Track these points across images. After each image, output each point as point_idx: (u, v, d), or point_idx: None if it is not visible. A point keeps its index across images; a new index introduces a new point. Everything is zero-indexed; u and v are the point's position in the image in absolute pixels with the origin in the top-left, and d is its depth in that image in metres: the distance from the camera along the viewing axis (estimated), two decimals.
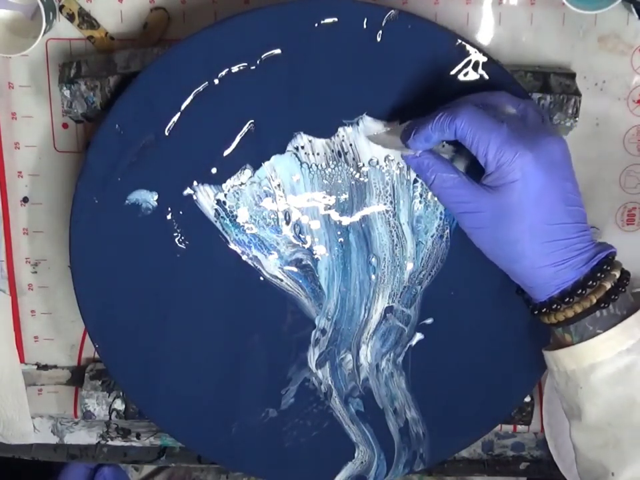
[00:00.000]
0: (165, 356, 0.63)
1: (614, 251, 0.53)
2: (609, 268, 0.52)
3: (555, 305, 0.52)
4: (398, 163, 0.60)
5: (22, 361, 0.74)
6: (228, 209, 0.61)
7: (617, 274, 0.52)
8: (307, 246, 0.62)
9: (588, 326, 0.52)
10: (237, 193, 0.61)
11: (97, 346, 0.63)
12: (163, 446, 0.76)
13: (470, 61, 0.58)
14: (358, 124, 0.59)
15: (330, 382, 0.64)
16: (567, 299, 0.52)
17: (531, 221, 0.50)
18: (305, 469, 0.66)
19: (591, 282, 0.51)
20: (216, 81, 0.58)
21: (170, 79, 0.58)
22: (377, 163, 0.60)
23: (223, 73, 0.58)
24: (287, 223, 0.61)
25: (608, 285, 0.51)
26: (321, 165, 0.60)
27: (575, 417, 0.54)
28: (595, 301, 0.51)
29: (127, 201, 0.60)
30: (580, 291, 0.51)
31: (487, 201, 0.51)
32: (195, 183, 0.60)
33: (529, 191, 0.50)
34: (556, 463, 0.72)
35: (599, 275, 0.51)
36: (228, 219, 0.61)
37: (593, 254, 0.52)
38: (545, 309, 0.53)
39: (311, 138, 0.60)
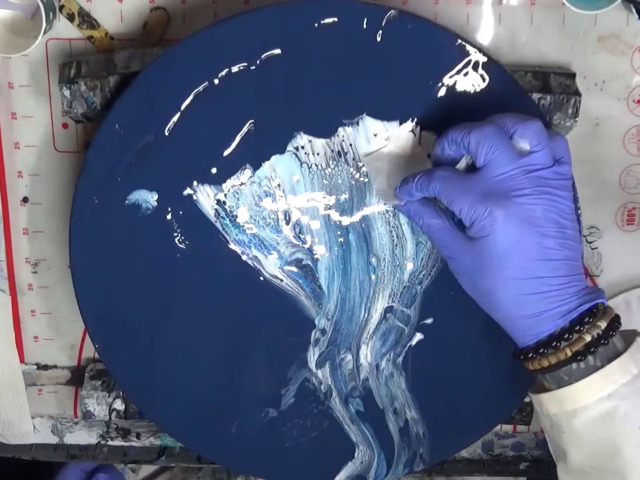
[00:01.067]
0: (165, 356, 0.63)
1: (602, 302, 0.53)
2: (591, 320, 0.51)
3: (531, 354, 0.53)
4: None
5: (22, 361, 0.74)
6: (228, 209, 0.61)
7: (603, 324, 0.51)
8: (307, 246, 0.62)
9: (563, 376, 0.52)
10: (237, 193, 0.61)
11: (96, 346, 0.63)
12: (162, 446, 0.76)
13: (470, 60, 0.58)
14: (358, 124, 0.59)
15: (330, 382, 0.64)
16: (542, 350, 0.52)
17: (504, 275, 0.51)
18: (304, 469, 0.66)
19: (567, 335, 0.51)
20: (216, 81, 0.58)
21: (170, 79, 0.58)
22: None
23: (223, 72, 0.58)
24: (287, 223, 0.61)
25: (588, 338, 0.51)
26: (321, 165, 0.60)
27: (560, 458, 0.55)
28: (570, 353, 0.51)
29: (127, 201, 0.60)
30: (554, 343, 0.52)
31: (466, 251, 0.53)
32: (195, 182, 0.60)
33: (499, 246, 0.51)
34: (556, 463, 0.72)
35: (577, 327, 0.51)
36: (228, 219, 0.61)
37: (575, 305, 0.51)
38: (522, 356, 0.54)
39: (310, 138, 0.60)
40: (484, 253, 0.51)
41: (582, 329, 0.51)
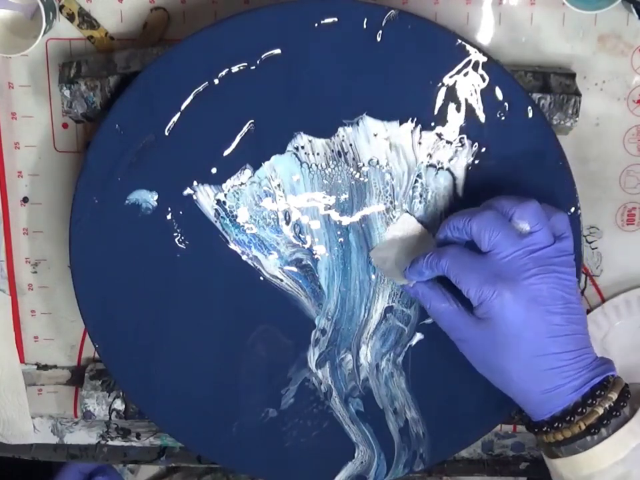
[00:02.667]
0: (165, 356, 0.63)
1: (613, 374, 0.54)
2: (603, 393, 0.52)
3: (545, 428, 0.54)
4: (399, 163, 0.60)
5: (22, 361, 0.74)
6: (228, 209, 0.61)
7: (614, 396, 0.53)
8: (306, 246, 0.62)
9: (578, 448, 0.53)
10: (237, 193, 0.61)
11: (96, 346, 0.63)
12: (163, 446, 0.76)
13: (470, 60, 0.58)
14: (358, 124, 0.59)
15: (330, 382, 0.64)
16: (556, 424, 0.54)
17: (516, 353, 0.53)
18: (305, 468, 0.66)
19: (580, 409, 0.53)
20: (216, 81, 0.58)
21: (170, 79, 0.58)
22: (377, 162, 0.60)
23: (223, 72, 0.58)
24: (287, 223, 0.61)
25: (600, 411, 0.52)
26: (321, 165, 0.60)
27: None
28: (583, 427, 0.52)
29: (127, 201, 0.61)
30: (569, 417, 0.53)
31: (475, 332, 0.54)
32: (195, 182, 0.60)
33: (509, 327, 0.52)
34: None
35: (590, 401, 0.52)
36: (228, 219, 0.61)
37: (587, 379, 0.53)
38: (536, 429, 0.55)
39: (310, 138, 0.60)
40: (494, 333, 0.53)
41: (594, 402, 0.52)
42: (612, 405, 0.52)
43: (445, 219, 0.56)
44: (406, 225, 0.61)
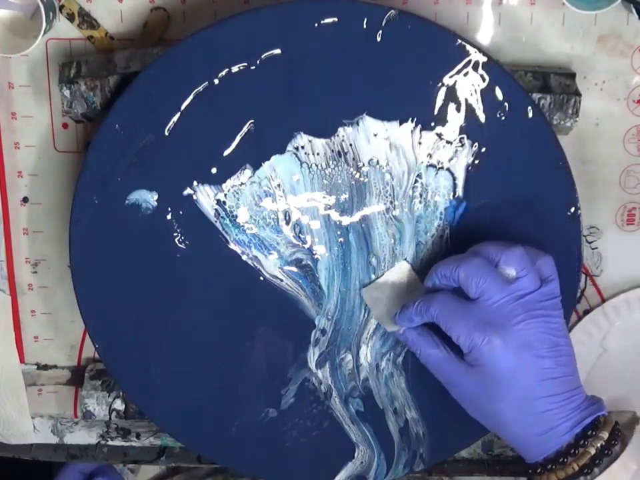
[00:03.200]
0: (165, 356, 0.63)
1: (603, 413, 0.54)
2: (594, 433, 0.53)
3: (539, 469, 0.55)
4: (398, 163, 0.60)
5: (22, 361, 0.74)
6: (228, 209, 0.61)
7: (606, 435, 0.53)
8: (306, 246, 0.62)
9: None
10: (237, 193, 0.61)
11: (96, 346, 0.63)
12: (163, 446, 0.76)
13: (470, 60, 0.58)
14: (358, 124, 0.59)
15: (330, 382, 0.64)
16: (550, 466, 0.54)
17: (507, 398, 0.54)
18: (305, 468, 0.66)
19: (573, 450, 0.53)
20: (216, 81, 0.58)
21: (170, 79, 0.58)
22: (377, 162, 0.60)
23: (223, 72, 0.58)
24: (287, 223, 0.61)
25: (593, 451, 0.53)
26: (321, 165, 0.60)
27: None
28: (577, 468, 0.53)
29: (127, 201, 0.61)
30: (562, 459, 0.54)
31: (466, 377, 0.55)
32: (195, 182, 0.60)
33: (499, 372, 0.53)
34: None
35: (582, 442, 0.53)
36: (228, 219, 0.61)
37: (579, 420, 0.54)
38: (530, 470, 0.56)
39: (310, 138, 0.60)
40: (485, 379, 0.54)
41: (586, 442, 0.53)
42: (603, 443, 0.53)
43: (432, 267, 0.57)
44: (402, 272, 0.62)
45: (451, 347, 0.56)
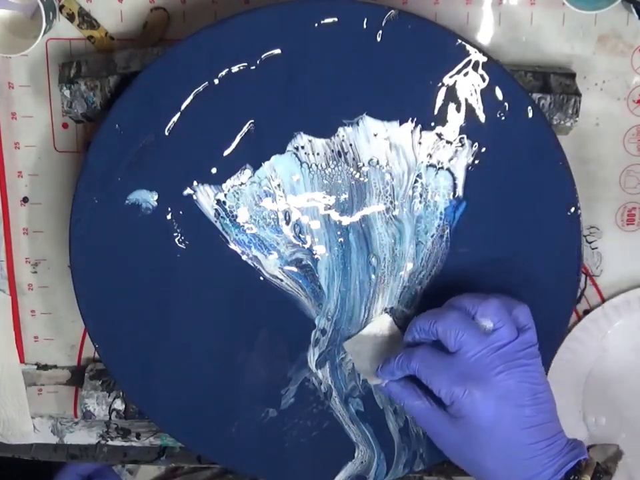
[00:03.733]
0: (165, 356, 0.63)
1: (585, 457, 0.55)
2: (577, 477, 0.54)
3: None
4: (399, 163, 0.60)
5: (22, 361, 0.74)
6: (228, 209, 0.61)
7: (588, 478, 0.54)
8: (306, 246, 0.62)
9: None
10: (237, 193, 0.61)
11: (96, 346, 0.63)
12: (162, 446, 0.76)
13: (470, 60, 0.58)
14: (358, 124, 0.59)
15: (330, 382, 0.64)
16: None
17: (490, 447, 0.55)
18: (305, 469, 0.66)
19: None
20: (216, 81, 0.58)
21: (170, 79, 0.58)
22: (377, 162, 0.60)
23: (223, 72, 0.58)
24: (287, 223, 0.61)
25: None
26: (321, 165, 0.60)
27: None
28: None
29: (127, 201, 0.61)
30: None
31: (450, 428, 0.56)
32: (195, 182, 0.60)
33: (481, 423, 0.54)
34: None
35: None
36: (228, 219, 0.61)
37: (562, 465, 0.54)
38: None
39: (310, 138, 0.60)
40: (468, 430, 0.55)
41: None
42: None
43: (411, 321, 0.58)
44: (383, 325, 0.62)
45: (434, 398, 0.56)
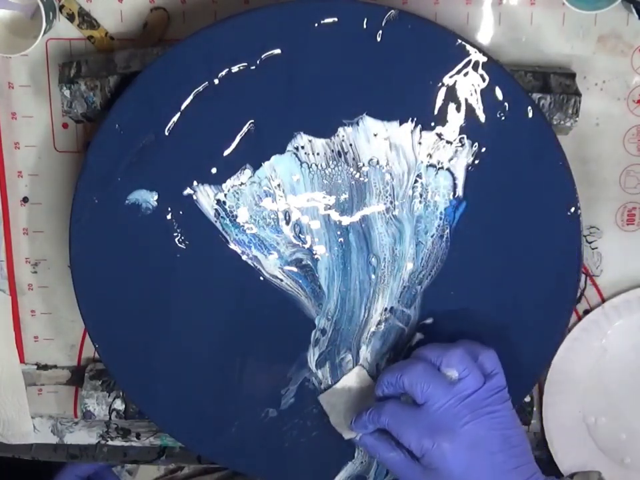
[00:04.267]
0: (165, 356, 0.63)
1: None
2: None
3: None
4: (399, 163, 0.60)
5: (22, 361, 0.74)
6: (228, 209, 0.61)
7: None
8: (306, 246, 0.62)
9: None
10: (237, 193, 0.61)
11: (96, 346, 0.63)
12: (162, 446, 0.76)
13: (470, 60, 0.58)
14: (358, 124, 0.59)
15: (330, 382, 0.64)
16: None
17: None
18: (305, 468, 0.66)
19: None
20: (216, 81, 0.58)
21: (170, 79, 0.58)
22: (377, 162, 0.60)
23: (223, 72, 0.58)
24: (287, 223, 0.61)
25: None
26: (321, 165, 0.60)
27: None
28: None
29: (127, 201, 0.61)
30: None
31: (424, 479, 0.56)
32: (195, 182, 0.60)
33: (454, 473, 0.54)
34: (556, 463, 0.72)
35: None
36: (228, 219, 0.61)
37: None
38: None
39: (310, 138, 0.60)
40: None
41: None
42: None
43: (380, 374, 0.58)
44: (358, 378, 0.63)
45: (408, 449, 0.56)
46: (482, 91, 0.58)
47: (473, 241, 0.61)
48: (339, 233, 0.61)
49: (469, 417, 0.55)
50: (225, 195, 0.61)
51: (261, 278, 0.62)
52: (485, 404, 0.55)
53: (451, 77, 0.58)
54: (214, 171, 0.60)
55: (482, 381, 0.56)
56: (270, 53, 0.58)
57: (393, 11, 0.57)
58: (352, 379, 0.63)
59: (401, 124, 0.59)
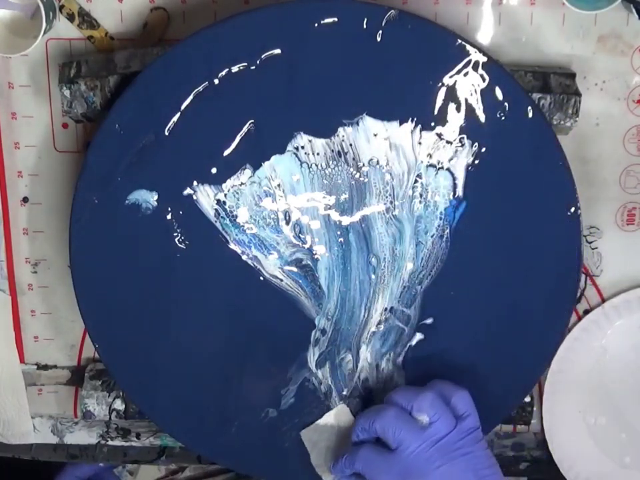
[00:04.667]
0: (165, 356, 0.63)
1: None
2: None
3: None
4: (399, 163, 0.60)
5: (22, 361, 0.74)
6: (228, 209, 0.61)
7: None
8: (306, 246, 0.62)
9: None
10: (237, 193, 0.61)
11: (96, 346, 0.63)
12: (162, 446, 0.76)
13: (470, 60, 0.58)
14: (358, 124, 0.59)
15: (330, 382, 0.64)
16: None
17: None
18: (305, 469, 0.66)
19: None
20: (216, 81, 0.58)
21: (170, 79, 0.58)
22: (377, 162, 0.60)
23: (223, 72, 0.58)
24: (287, 223, 0.61)
25: None
26: (321, 165, 0.60)
27: None
28: None
29: (127, 201, 0.61)
30: None
31: None
32: (195, 182, 0.60)
33: None
34: (556, 463, 0.72)
35: None
36: (228, 219, 0.61)
37: None
38: None
39: (310, 138, 0.60)
40: None
41: None
42: None
43: (356, 418, 0.59)
44: (340, 417, 0.63)
45: None
46: (482, 91, 0.58)
47: (473, 240, 0.61)
48: (339, 232, 0.61)
49: (440, 460, 0.55)
50: (225, 195, 0.61)
51: (261, 278, 0.62)
52: (457, 446, 0.56)
53: (451, 76, 0.58)
54: (214, 171, 0.60)
55: (453, 424, 0.56)
56: (270, 53, 0.58)
57: (392, 11, 0.57)
58: (335, 416, 0.64)
59: (401, 124, 0.59)
